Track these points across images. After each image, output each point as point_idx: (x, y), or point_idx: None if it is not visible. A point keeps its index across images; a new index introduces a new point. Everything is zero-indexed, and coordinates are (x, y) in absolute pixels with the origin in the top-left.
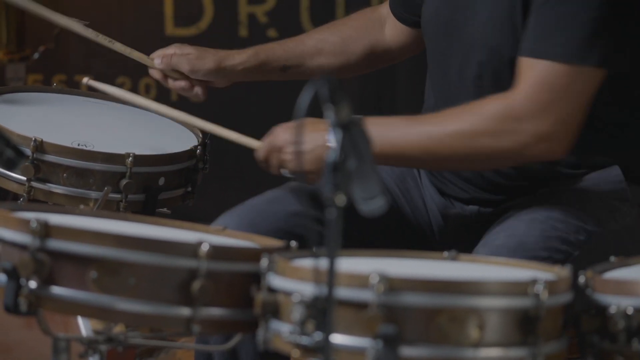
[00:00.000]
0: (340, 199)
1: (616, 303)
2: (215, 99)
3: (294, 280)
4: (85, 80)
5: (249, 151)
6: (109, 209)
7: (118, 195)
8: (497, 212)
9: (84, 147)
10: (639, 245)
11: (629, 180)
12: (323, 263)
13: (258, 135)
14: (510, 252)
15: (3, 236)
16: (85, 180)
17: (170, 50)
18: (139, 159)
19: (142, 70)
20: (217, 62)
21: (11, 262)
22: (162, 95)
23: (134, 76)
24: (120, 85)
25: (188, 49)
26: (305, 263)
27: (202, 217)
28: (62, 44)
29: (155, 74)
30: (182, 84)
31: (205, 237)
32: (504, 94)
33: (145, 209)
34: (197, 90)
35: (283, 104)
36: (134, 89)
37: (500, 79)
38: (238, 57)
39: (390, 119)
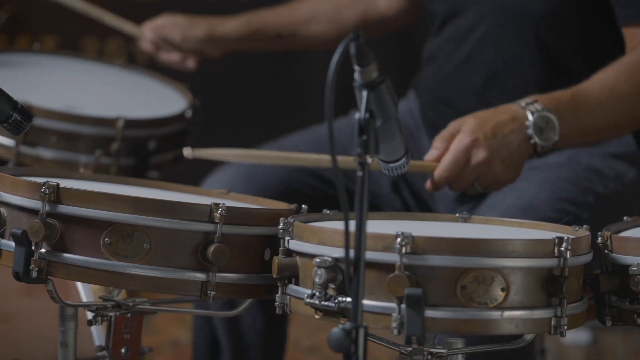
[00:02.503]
0: (369, 159)
1: (636, 262)
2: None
3: (313, 244)
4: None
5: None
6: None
7: (108, 159)
8: None
9: (73, 110)
10: None
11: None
12: (345, 225)
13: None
14: (520, 213)
15: (10, 201)
16: (74, 143)
17: (161, 20)
18: (130, 123)
19: (108, 30)
20: (208, 30)
21: (20, 228)
22: (130, 58)
23: (100, 36)
24: (86, 46)
25: (178, 18)
26: (323, 225)
27: (192, 181)
28: (27, 4)
29: (147, 46)
30: (174, 56)
31: (215, 201)
32: None
33: (136, 173)
34: (190, 61)
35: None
36: (101, 49)
37: (524, 39)
38: (230, 25)
39: (570, 103)
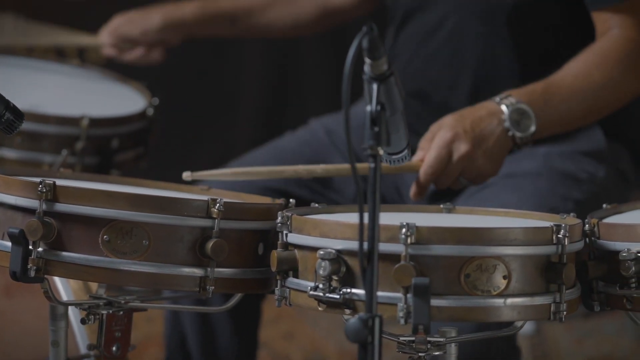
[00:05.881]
0: (380, 151)
1: (626, 248)
2: None
3: (315, 236)
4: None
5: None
6: None
7: (73, 158)
8: None
9: (37, 110)
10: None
11: (608, 137)
12: (360, 218)
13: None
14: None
15: (3, 201)
16: (38, 143)
17: (115, 22)
18: (95, 121)
19: None
20: (164, 17)
21: (16, 227)
22: (60, 55)
23: None
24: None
25: (131, 14)
26: (320, 219)
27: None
28: None
29: (109, 51)
30: (138, 52)
31: (211, 197)
32: (614, 37)
33: (99, 172)
34: (154, 53)
35: None
36: (29, 48)
37: (496, 29)
38: (186, 9)
39: (543, 94)
